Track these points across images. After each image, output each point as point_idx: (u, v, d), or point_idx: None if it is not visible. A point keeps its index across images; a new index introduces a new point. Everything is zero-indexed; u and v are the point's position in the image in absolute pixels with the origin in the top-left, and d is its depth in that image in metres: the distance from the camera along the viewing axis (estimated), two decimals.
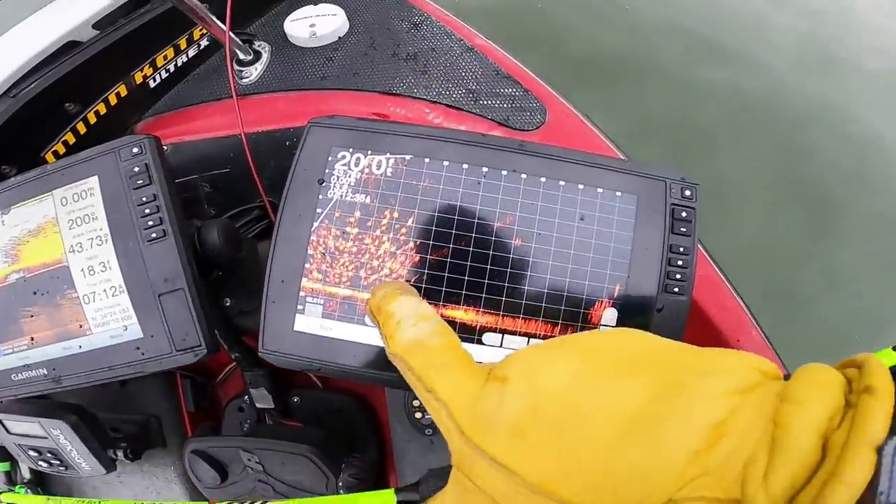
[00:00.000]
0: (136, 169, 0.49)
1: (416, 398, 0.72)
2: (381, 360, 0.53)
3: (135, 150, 0.49)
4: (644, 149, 1.56)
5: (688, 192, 0.55)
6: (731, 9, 1.94)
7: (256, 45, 0.79)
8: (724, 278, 0.72)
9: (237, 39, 0.73)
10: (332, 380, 0.82)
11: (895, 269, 1.54)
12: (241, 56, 0.75)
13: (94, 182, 0.51)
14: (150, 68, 0.71)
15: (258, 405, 0.72)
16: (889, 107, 1.74)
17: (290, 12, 0.82)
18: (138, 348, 0.51)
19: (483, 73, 0.75)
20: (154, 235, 0.50)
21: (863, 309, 1.50)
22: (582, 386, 0.21)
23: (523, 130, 0.73)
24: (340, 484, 0.65)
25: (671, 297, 0.53)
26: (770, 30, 1.90)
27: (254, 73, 0.76)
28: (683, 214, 0.55)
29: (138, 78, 0.69)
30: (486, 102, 0.74)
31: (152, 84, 0.72)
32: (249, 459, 0.64)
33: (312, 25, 0.79)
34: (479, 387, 0.23)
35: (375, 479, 0.74)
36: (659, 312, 0.53)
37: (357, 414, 0.79)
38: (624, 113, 1.67)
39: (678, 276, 0.53)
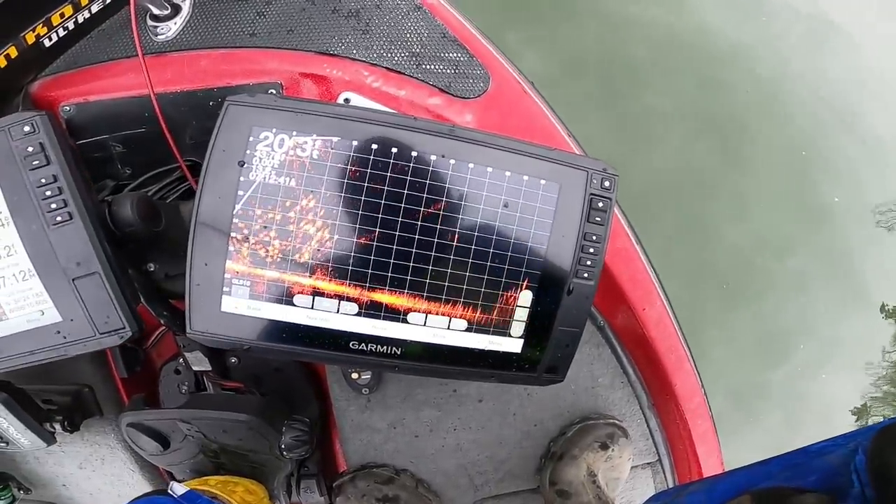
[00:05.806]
0: (31, 149, 0.46)
1: None
2: (308, 337, 0.56)
3: (26, 128, 0.45)
4: (576, 83, 1.67)
5: (607, 183, 0.58)
6: None
7: None
8: (639, 250, 0.78)
9: None
10: None
11: (794, 195, 1.80)
12: (156, 11, 0.66)
13: None
14: (45, 27, 0.62)
15: (195, 368, 0.73)
16: (807, 50, 1.91)
17: None
18: (59, 332, 0.50)
19: (429, 34, 0.71)
20: (59, 219, 0.47)
21: (765, 234, 1.75)
22: None
23: (464, 98, 0.72)
24: (283, 447, 0.68)
25: (580, 282, 0.58)
26: None
27: (172, 27, 0.68)
28: (600, 205, 0.58)
29: (30, 38, 0.61)
30: (428, 67, 0.71)
31: (48, 43, 0.63)
32: (189, 429, 0.66)
33: None
34: None
35: (319, 436, 0.78)
36: (569, 295, 0.58)
37: (296, 372, 0.82)
38: (558, 47, 1.74)
39: (588, 263, 0.58)
